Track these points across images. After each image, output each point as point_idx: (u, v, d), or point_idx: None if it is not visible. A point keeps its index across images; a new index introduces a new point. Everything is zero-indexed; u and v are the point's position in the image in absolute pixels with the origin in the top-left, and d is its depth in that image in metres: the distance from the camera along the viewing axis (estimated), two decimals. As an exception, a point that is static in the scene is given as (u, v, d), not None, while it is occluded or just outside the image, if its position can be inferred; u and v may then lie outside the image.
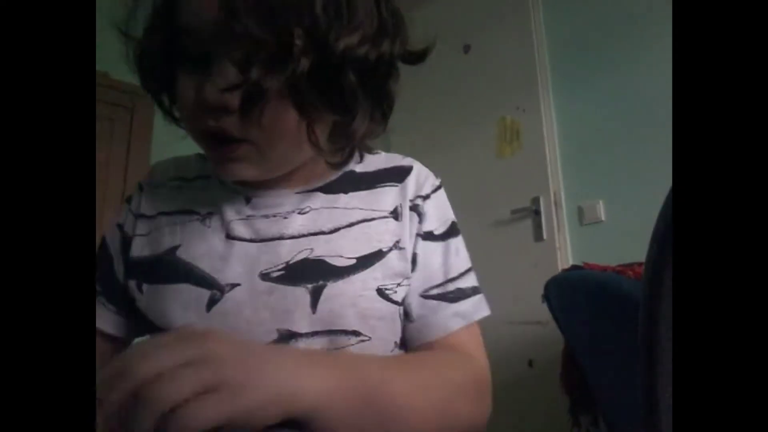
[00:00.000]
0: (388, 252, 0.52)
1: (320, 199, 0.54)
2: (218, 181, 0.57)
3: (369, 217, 0.54)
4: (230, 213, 0.53)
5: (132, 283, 0.53)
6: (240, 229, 0.52)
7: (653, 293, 0.32)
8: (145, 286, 0.52)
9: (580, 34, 2.03)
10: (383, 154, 0.62)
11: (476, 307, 0.55)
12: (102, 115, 2.12)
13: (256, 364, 0.33)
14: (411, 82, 2.51)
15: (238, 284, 0.48)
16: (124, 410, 0.29)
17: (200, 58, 0.43)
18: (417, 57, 0.52)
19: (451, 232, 0.58)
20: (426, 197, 0.57)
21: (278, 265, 0.49)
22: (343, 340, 0.48)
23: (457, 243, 0.58)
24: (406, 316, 0.54)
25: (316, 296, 0.47)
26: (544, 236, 1.94)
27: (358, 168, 0.59)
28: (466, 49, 2.36)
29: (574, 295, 1.22)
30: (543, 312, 1.32)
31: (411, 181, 0.58)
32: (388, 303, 0.51)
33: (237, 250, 0.50)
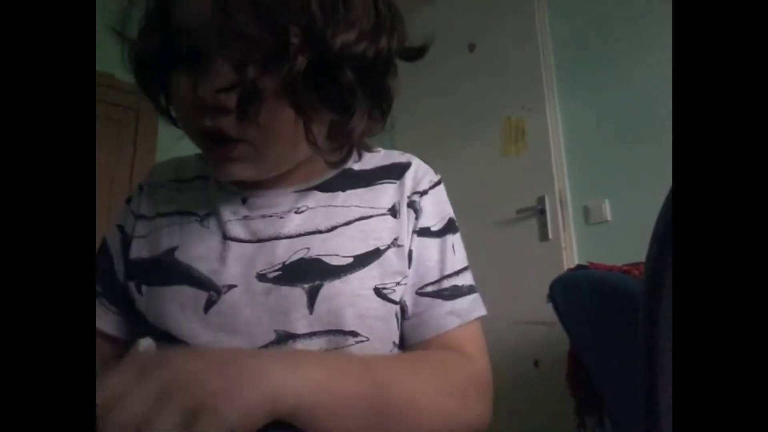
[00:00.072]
0: (385, 250, 0.51)
1: (317, 198, 0.54)
2: (216, 181, 0.56)
3: (366, 215, 0.53)
4: (227, 214, 0.53)
5: (131, 284, 0.53)
6: (237, 229, 0.52)
7: (653, 293, 0.32)
8: (144, 288, 0.52)
9: (585, 32, 2.02)
10: (382, 151, 0.61)
11: (472, 306, 0.54)
12: (107, 116, 2.14)
13: (230, 375, 0.32)
14: (416, 81, 2.53)
15: (235, 285, 0.48)
16: None
17: (196, 58, 0.43)
18: (416, 53, 0.51)
19: (448, 228, 0.57)
20: (423, 193, 0.56)
21: (275, 266, 0.49)
22: (342, 340, 0.47)
23: (455, 240, 0.57)
24: (402, 313, 0.53)
25: (313, 296, 0.47)
26: (550, 236, 1.94)
27: (357, 165, 0.58)
28: (471, 48, 2.35)
29: (579, 295, 1.21)
30: (548, 312, 1.31)
31: (409, 177, 0.57)
32: (386, 302, 0.50)
33: (234, 251, 0.50)
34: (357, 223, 0.52)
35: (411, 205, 0.55)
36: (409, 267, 0.53)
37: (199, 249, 0.51)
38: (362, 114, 0.46)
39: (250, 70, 0.40)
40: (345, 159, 0.53)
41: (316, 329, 0.47)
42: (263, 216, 0.52)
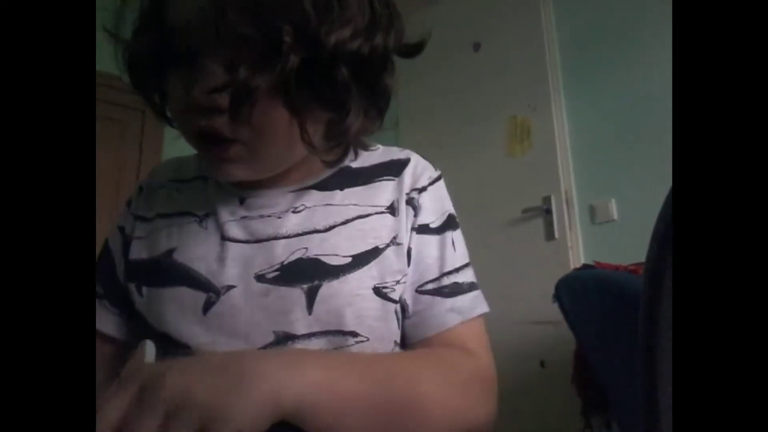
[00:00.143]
0: (384, 249, 0.51)
1: (315, 197, 0.53)
2: (215, 181, 0.56)
3: (365, 213, 0.52)
4: (225, 214, 0.53)
5: (132, 286, 0.53)
6: (235, 230, 0.51)
7: (653, 293, 0.32)
8: (144, 289, 0.52)
9: (590, 32, 2.01)
10: (381, 147, 0.60)
11: (474, 303, 0.53)
12: (114, 118, 2.16)
13: (230, 381, 0.32)
14: (420, 81, 2.52)
15: (234, 286, 0.48)
16: None
17: (189, 58, 0.42)
18: (413, 50, 0.50)
19: (447, 225, 0.56)
20: (422, 190, 0.55)
21: (273, 266, 0.48)
22: (341, 340, 0.47)
23: (455, 236, 0.56)
24: (403, 312, 0.52)
25: (311, 297, 0.47)
26: (556, 235, 1.93)
27: (355, 163, 0.57)
28: (476, 47, 2.35)
29: (585, 294, 1.20)
30: (555, 312, 1.31)
31: (408, 174, 0.56)
32: (386, 302, 0.50)
33: (232, 252, 0.50)
34: (355, 221, 0.52)
35: (410, 202, 0.54)
36: (409, 265, 0.52)
37: (198, 250, 0.51)
38: (358, 112, 0.45)
39: (242, 69, 0.39)
40: (342, 158, 0.52)
41: (315, 330, 0.47)
42: (261, 216, 0.52)
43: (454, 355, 0.48)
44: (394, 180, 0.56)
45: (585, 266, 1.46)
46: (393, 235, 0.52)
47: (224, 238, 0.51)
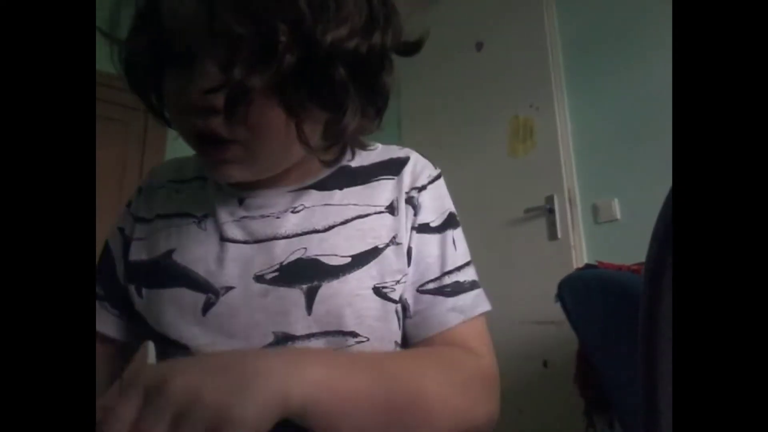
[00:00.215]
0: (384, 249, 0.50)
1: (314, 197, 0.53)
2: (214, 182, 0.56)
3: (364, 213, 0.52)
4: (224, 215, 0.52)
5: (131, 287, 0.53)
6: (233, 231, 0.51)
7: (653, 293, 0.32)
8: (143, 290, 0.52)
9: (593, 31, 2.00)
10: (380, 146, 0.60)
11: (475, 302, 0.52)
12: (116, 118, 2.16)
13: (236, 380, 0.32)
14: (423, 81, 2.52)
15: (233, 287, 0.48)
16: None
17: (185, 59, 0.42)
18: (412, 48, 0.49)
19: (448, 223, 0.55)
20: (422, 188, 0.55)
21: (272, 267, 0.48)
22: (341, 341, 0.47)
23: (455, 235, 0.55)
24: (404, 311, 0.52)
25: (310, 297, 0.47)
26: (559, 235, 1.93)
27: (354, 162, 0.57)
28: (479, 46, 2.35)
29: (587, 294, 1.20)
30: (558, 312, 1.30)
31: (407, 173, 0.56)
32: (386, 302, 0.49)
33: (231, 253, 0.50)
34: (354, 221, 0.51)
35: (409, 201, 0.54)
36: (409, 264, 0.52)
37: (197, 251, 0.51)
38: (355, 111, 0.45)
39: (237, 69, 0.39)
40: (339, 158, 0.52)
41: (314, 330, 0.47)
42: (260, 216, 0.52)
43: (456, 354, 0.48)
44: (393, 179, 0.55)
45: (588, 266, 1.46)
46: (392, 234, 0.52)
47: (223, 239, 0.51)
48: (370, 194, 0.54)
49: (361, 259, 0.49)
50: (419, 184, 0.55)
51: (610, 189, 1.86)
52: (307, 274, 0.47)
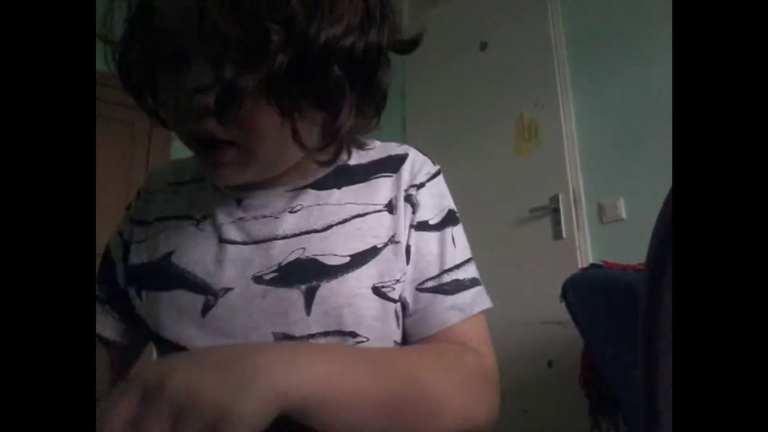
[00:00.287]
0: (383, 248, 0.50)
1: (312, 196, 0.53)
2: (212, 183, 0.56)
3: (363, 212, 0.52)
4: (222, 216, 0.52)
5: (132, 291, 0.53)
6: (232, 232, 0.51)
7: (653, 292, 0.32)
8: (143, 293, 0.52)
9: (598, 29, 2.00)
10: (378, 143, 0.59)
11: (475, 300, 0.52)
12: (122, 118, 2.18)
13: (234, 377, 0.31)
14: (427, 80, 2.52)
15: (232, 288, 0.48)
16: None
17: (178, 60, 0.42)
18: (409, 45, 0.49)
19: (447, 221, 0.54)
20: (420, 186, 0.54)
21: (271, 267, 0.48)
22: (341, 341, 0.47)
23: (455, 232, 0.54)
24: (404, 310, 0.52)
25: (309, 298, 0.46)
26: (564, 235, 1.92)
27: (352, 161, 0.56)
28: (483, 46, 2.35)
29: (592, 294, 1.20)
30: (562, 312, 1.30)
31: (405, 170, 0.55)
32: (385, 301, 0.49)
33: (230, 254, 0.50)
34: (353, 220, 0.51)
35: (408, 199, 0.53)
36: (408, 263, 0.51)
37: (195, 253, 0.51)
38: (350, 110, 0.44)
39: (228, 69, 0.39)
40: (335, 158, 0.51)
41: (314, 331, 0.46)
42: (258, 217, 0.52)
43: (458, 351, 0.48)
44: (392, 176, 0.55)
45: (592, 266, 1.45)
46: (391, 233, 0.51)
47: (221, 240, 0.51)
48: (368, 193, 0.53)
49: (359, 259, 0.49)
50: (418, 182, 0.55)
51: (615, 188, 1.85)
52: (305, 275, 0.47)
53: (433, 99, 2.52)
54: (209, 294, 0.48)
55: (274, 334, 0.47)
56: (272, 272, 0.48)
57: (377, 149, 0.58)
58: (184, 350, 0.48)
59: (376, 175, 0.55)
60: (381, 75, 0.46)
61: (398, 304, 0.51)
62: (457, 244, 0.54)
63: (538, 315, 1.87)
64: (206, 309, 0.48)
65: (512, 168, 2.12)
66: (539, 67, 2.10)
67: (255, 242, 0.50)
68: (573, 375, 1.43)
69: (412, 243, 0.52)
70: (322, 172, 0.54)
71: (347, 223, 0.51)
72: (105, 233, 0.62)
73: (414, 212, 0.53)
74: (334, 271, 0.48)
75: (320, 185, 0.54)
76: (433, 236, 0.53)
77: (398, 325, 0.52)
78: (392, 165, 0.56)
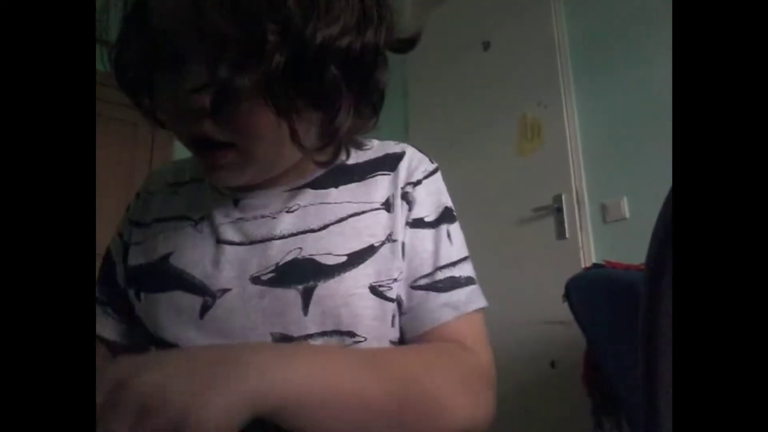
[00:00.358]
0: (380, 246, 0.50)
1: (309, 196, 0.53)
2: (209, 184, 0.56)
3: (359, 211, 0.51)
4: (219, 217, 0.52)
5: (131, 292, 0.53)
6: (229, 232, 0.51)
7: (653, 292, 0.32)
8: (142, 295, 0.52)
9: (601, 29, 1.99)
10: (376, 142, 0.59)
11: (470, 298, 0.51)
12: (125, 118, 2.19)
13: (203, 380, 0.31)
14: (430, 80, 2.52)
15: (230, 289, 0.48)
16: None
17: (175, 60, 0.42)
18: (406, 45, 0.49)
19: (443, 218, 0.54)
20: (417, 183, 0.54)
21: (268, 268, 0.48)
22: (339, 341, 0.47)
23: (451, 230, 0.54)
24: (399, 308, 0.51)
25: (307, 298, 0.46)
26: (567, 234, 1.92)
27: (350, 159, 0.56)
28: (486, 46, 2.34)
29: (595, 294, 1.20)
30: (565, 312, 1.30)
31: (403, 168, 0.55)
32: (383, 300, 0.49)
33: (227, 255, 0.50)
34: (350, 219, 0.51)
35: (404, 196, 0.53)
36: (403, 260, 0.51)
37: (193, 254, 0.51)
38: (348, 111, 0.44)
39: (223, 69, 0.38)
40: (334, 158, 0.51)
41: (312, 331, 0.46)
42: (255, 217, 0.52)
43: (453, 350, 0.47)
44: (389, 175, 0.55)
45: (595, 265, 1.45)
46: (388, 232, 0.51)
47: (219, 241, 0.51)
48: (365, 191, 0.53)
49: (356, 258, 0.48)
50: (414, 179, 0.54)
51: (618, 188, 1.84)
52: (302, 275, 0.47)
53: (436, 98, 2.51)
54: (207, 295, 0.48)
55: (272, 334, 0.47)
56: (269, 273, 0.48)
57: (375, 148, 0.58)
58: None
59: (374, 174, 0.55)
60: (378, 75, 0.46)
61: (395, 303, 0.51)
62: (454, 241, 0.53)
63: (540, 315, 1.87)
64: (204, 310, 0.48)
65: (515, 167, 2.12)
66: (542, 67, 2.10)
67: (252, 243, 0.50)
68: (576, 375, 1.42)
69: (407, 240, 0.51)
70: (319, 171, 0.54)
71: (344, 222, 0.51)
72: (108, 234, 0.63)
73: (410, 209, 0.53)
74: (330, 271, 0.47)
75: (318, 184, 0.54)
76: (428, 233, 0.52)
77: (394, 324, 0.51)
78: (390, 163, 0.56)
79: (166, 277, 0.50)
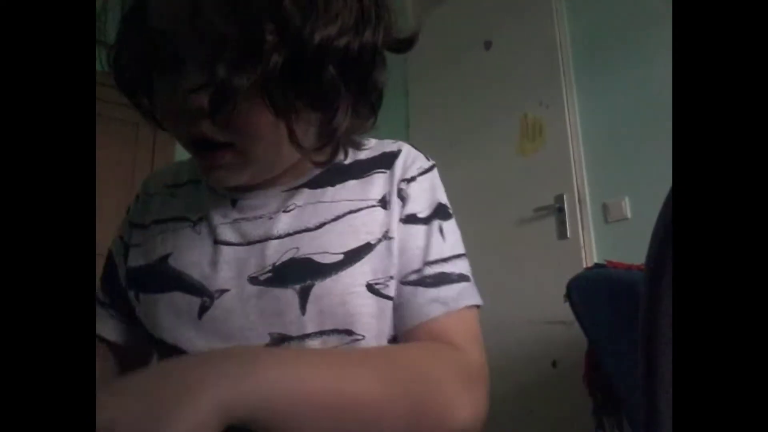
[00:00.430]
0: (376, 244, 0.49)
1: (306, 195, 0.53)
2: (207, 184, 0.56)
3: (356, 208, 0.51)
4: (217, 217, 0.52)
5: (131, 293, 0.53)
6: (227, 233, 0.51)
7: (653, 293, 0.32)
8: (141, 296, 0.52)
9: (603, 28, 1.99)
10: (373, 141, 0.58)
11: (461, 295, 0.49)
12: (126, 119, 2.19)
13: (162, 405, 0.29)
14: (431, 79, 2.52)
15: (228, 290, 0.48)
16: None
17: (173, 60, 0.42)
18: (404, 45, 0.48)
19: (436, 214, 0.53)
20: (411, 180, 0.54)
21: (266, 268, 0.48)
22: (337, 339, 0.47)
23: (444, 226, 0.53)
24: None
25: (304, 297, 0.46)
26: (568, 234, 1.91)
27: (347, 159, 0.56)
28: (487, 45, 2.34)
29: (596, 294, 1.20)
30: (567, 312, 1.30)
31: (398, 165, 0.55)
32: (380, 298, 0.48)
33: (225, 255, 0.50)
34: (346, 217, 0.51)
35: (399, 193, 0.53)
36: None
37: (192, 255, 0.51)
38: (345, 110, 0.44)
39: (221, 69, 0.38)
40: (332, 158, 0.51)
41: (309, 330, 0.46)
42: (253, 218, 0.52)
43: (434, 350, 0.46)
44: (385, 172, 0.54)
45: (597, 265, 1.45)
46: (385, 229, 0.51)
47: (217, 242, 0.51)
48: (362, 189, 0.53)
49: (353, 256, 0.48)
50: (408, 176, 0.54)
51: (620, 188, 1.84)
52: (300, 274, 0.47)
53: (437, 98, 2.51)
54: (205, 296, 0.48)
55: (270, 334, 0.47)
56: (267, 273, 0.48)
57: (372, 147, 0.58)
58: (182, 353, 0.48)
59: (371, 172, 0.55)
60: (376, 75, 0.46)
61: (392, 300, 0.50)
62: (447, 238, 0.52)
63: (542, 315, 1.86)
64: (202, 311, 0.48)
65: (517, 167, 2.12)
66: (544, 67, 2.09)
67: (250, 243, 0.50)
68: (577, 375, 1.42)
69: (399, 236, 0.51)
70: (316, 171, 0.54)
71: (340, 220, 0.50)
72: (108, 234, 0.63)
73: (403, 205, 0.52)
74: (327, 270, 0.47)
75: (315, 184, 0.54)
76: (420, 229, 0.52)
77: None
78: (386, 161, 0.56)
79: (165, 278, 0.50)
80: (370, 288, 0.48)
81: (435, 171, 0.57)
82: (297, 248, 0.48)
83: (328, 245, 0.48)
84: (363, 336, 0.48)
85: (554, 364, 1.83)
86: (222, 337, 0.47)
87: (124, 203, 0.67)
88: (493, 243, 2.07)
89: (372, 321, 0.48)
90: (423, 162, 0.56)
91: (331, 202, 0.52)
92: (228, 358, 0.35)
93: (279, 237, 0.50)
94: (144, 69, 0.45)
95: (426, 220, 0.52)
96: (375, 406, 0.38)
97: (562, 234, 1.94)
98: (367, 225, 0.50)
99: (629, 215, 1.80)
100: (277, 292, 0.47)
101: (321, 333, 0.47)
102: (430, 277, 0.50)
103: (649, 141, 1.77)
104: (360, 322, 0.47)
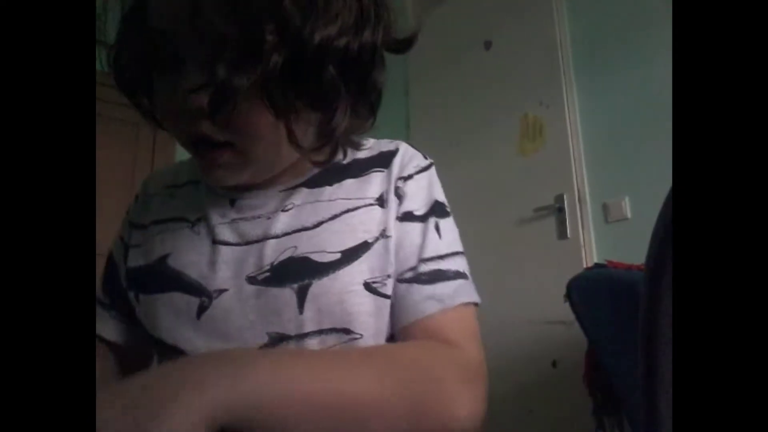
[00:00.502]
0: (374, 243, 0.49)
1: (304, 195, 0.53)
2: (206, 184, 0.56)
3: (353, 207, 0.51)
4: (215, 217, 0.52)
5: (131, 294, 0.53)
6: (225, 233, 0.51)
7: (653, 293, 0.32)
8: (140, 296, 0.52)
9: (603, 28, 1.99)
10: (372, 141, 0.59)
11: (458, 292, 0.49)
12: (126, 119, 2.19)
13: (148, 414, 0.29)
14: (431, 79, 2.52)
15: (226, 290, 0.48)
16: None
17: (173, 60, 0.42)
18: (403, 45, 0.48)
19: (433, 212, 0.53)
20: (408, 178, 0.54)
21: (264, 267, 0.48)
22: (335, 339, 0.47)
23: (441, 223, 0.53)
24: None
25: (302, 296, 0.46)
26: (569, 234, 1.91)
27: (346, 158, 0.56)
28: (488, 45, 2.34)
29: (596, 294, 1.20)
30: (567, 312, 1.30)
31: (396, 164, 0.55)
32: (377, 297, 0.48)
33: (224, 255, 0.50)
34: (344, 216, 0.51)
35: (396, 191, 0.53)
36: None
37: (190, 255, 0.51)
38: (345, 111, 0.44)
39: (221, 69, 0.38)
40: (331, 158, 0.51)
41: (308, 329, 0.46)
42: (251, 217, 0.52)
43: (430, 349, 0.45)
44: (383, 171, 0.55)
45: (597, 265, 1.44)
46: (382, 228, 0.51)
47: (215, 242, 0.51)
48: (360, 188, 0.53)
49: (350, 255, 0.48)
50: (405, 174, 0.54)
51: (620, 188, 1.84)
52: (297, 273, 0.47)
53: (437, 98, 2.51)
54: (204, 296, 0.48)
55: (268, 334, 0.47)
56: (265, 272, 0.48)
57: (371, 147, 0.58)
58: (181, 353, 0.48)
59: (369, 171, 0.55)
60: (376, 75, 0.46)
61: (390, 299, 0.50)
62: (444, 235, 0.52)
63: (542, 315, 1.86)
64: (201, 311, 0.48)
65: (517, 167, 2.12)
66: (544, 67, 2.09)
67: (248, 243, 0.50)
68: (577, 375, 1.42)
69: (396, 234, 0.51)
70: (314, 170, 0.54)
71: (337, 219, 0.50)
72: (108, 234, 0.63)
73: (400, 203, 0.52)
74: (325, 269, 0.47)
75: (313, 183, 0.54)
76: (416, 227, 0.52)
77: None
78: (384, 160, 0.56)
79: (164, 278, 0.50)
80: (368, 287, 0.48)
81: (432, 169, 0.57)
82: (295, 247, 0.49)
83: (326, 244, 0.48)
84: (361, 335, 0.48)
85: (554, 364, 1.83)
86: (221, 337, 0.47)
87: (124, 203, 0.67)
88: (493, 243, 2.07)
89: (370, 320, 0.48)
90: (420, 160, 0.56)
91: (329, 201, 0.52)
92: (225, 360, 0.35)
93: (277, 236, 0.50)
94: (144, 69, 0.45)
95: (422, 218, 0.52)
96: (375, 405, 0.38)
97: (562, 234, 1.94)
98: (365, 224, 0.50)
99: (629, 215, 1.80)
100: (275, 291, 0.47)
101: (319, 332, 0.47)
102: (425, 274, 0.49)
103: (649, 141, 1.77)
104: (358, 321, 0.47)
